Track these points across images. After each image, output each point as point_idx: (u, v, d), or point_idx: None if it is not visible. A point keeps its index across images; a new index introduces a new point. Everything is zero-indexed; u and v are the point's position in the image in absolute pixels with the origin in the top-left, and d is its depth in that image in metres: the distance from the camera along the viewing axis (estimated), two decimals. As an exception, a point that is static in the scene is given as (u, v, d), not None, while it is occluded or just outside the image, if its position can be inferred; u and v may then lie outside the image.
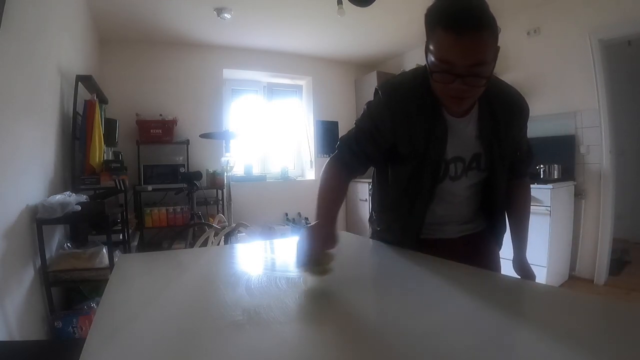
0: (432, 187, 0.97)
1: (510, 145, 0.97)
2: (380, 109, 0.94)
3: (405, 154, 0.95)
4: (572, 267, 3.04)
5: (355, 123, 1.02)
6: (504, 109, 0.93)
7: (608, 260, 2.90)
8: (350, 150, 0.99)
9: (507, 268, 1.06)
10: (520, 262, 1.09)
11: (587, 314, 0.64)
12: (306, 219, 4.49)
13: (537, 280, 1.07)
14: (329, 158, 1.04)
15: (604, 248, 2.88)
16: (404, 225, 1.03)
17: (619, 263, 3.17)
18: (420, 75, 0.90)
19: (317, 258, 0.78)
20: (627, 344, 0.49)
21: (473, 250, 1.01)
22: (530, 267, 1.08)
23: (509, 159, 1.00)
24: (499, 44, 0.80)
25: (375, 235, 1.16)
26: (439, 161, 0.94)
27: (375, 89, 0.97)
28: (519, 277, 1.05)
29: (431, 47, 0.80)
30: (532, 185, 2.88)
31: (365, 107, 1.00)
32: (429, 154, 0.93)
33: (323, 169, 1.01)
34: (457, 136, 0.93)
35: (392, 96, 0.93)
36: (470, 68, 0.76)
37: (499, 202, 1.04)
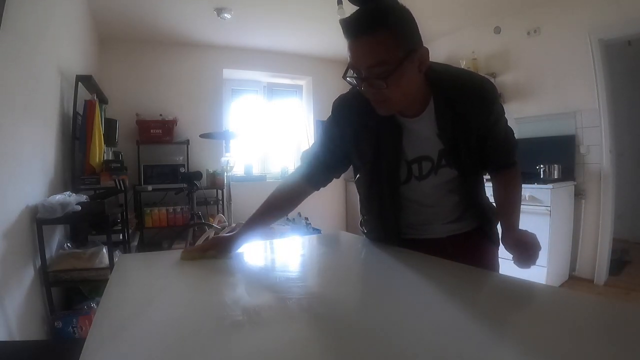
0: (394, 189, 0.98)
1: (477, 136, 0.93)
2: (329, 122, 1.02)
3: (358, 161, 1.01)
4: (572, 267, 3.04)
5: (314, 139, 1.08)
6: (462, 99, 0.88)
7: (608, 260, 2.90)
8: (308, 160, 1.06)
9: (506, 269, 1.05)
10: (513, 233, 0.90)
11: (587, 314, 0.64)
12: (306, 219, 4.49)
13: (537, 280, 1.04)
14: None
15: (604, 248, 2.88)
16: (383, 227, 1.06)
17: (619, 263, 3.17)
18: None
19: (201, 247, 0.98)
20: (627, 344, 0.49)
21: (465, 250, 0.99)
22: (528, 233, 0.87)
23: (479, 152, 0.96)
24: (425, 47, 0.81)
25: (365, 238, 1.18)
26: (398, 163, 0.95)
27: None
28: (517, 253, 0.85)
29: None
30: (532, 185, 2.90)
31: (323, 123, 1.07)
32: (383, 157, 0.95)
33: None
34: (415, 136, 0.93)
35: (337, 109, 1.00)
36: (370, 70, 0.77)
37: (479, 198, 1.02)
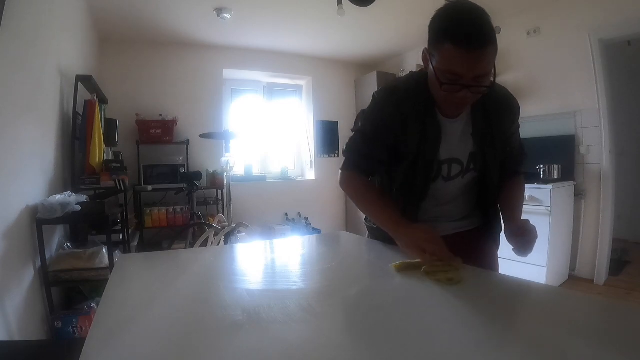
0: (425, 187, 1.00)
1: (501, 142, 1.00)
2: (376, 111, 0.99)
3: (403, 153, 1.00)
4: (572, 267, 3.04)
5: (353, 130, 1.06)
6: (495, 107, 0.97)
7: (608, 260, 2.90)
8: (360, 155, 1.03)
9: (506, 268, 1.05)
10: (515, 222, 0.96)
11: (587, 314, 0.64)
12: (306, 219, 4.49)
13: (537, 280, 1.06)
14: (341, 171, 1.07)
15: (604, 248, 2.88)
16: None
17: (618, 263, 3.17)
18: (415, 79, 0.96)
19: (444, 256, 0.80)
20: (627, 344, 0.49)
21: (468, 248, 1.00)
22: (529, 223, 0.92)
23: (500, 157, 1.02)
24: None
25: (370, 233, 1.18)
26: (432, 161, 0.97)
27: (373, 94, 1.02)
28: (517, 241, 0.91)
29: (438, 58, 0.83)
30: (532, 185, 2.90)
31: (361, 113, 1.05)
32: (422, 154, 0.97)
33: (345, 184, 1.06)
34: (451, 137, 0.97)
35: (386, 98, 0.98)
36: (476, 79, 0.81)
37: (493, 200, 1.06)
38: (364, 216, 1.21)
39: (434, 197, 1.03)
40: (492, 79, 0.85)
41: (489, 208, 1.07)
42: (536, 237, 0.90)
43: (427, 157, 0.97)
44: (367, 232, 1.20)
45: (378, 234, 1.14)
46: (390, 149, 1.01)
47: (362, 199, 1.04)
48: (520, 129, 1.07)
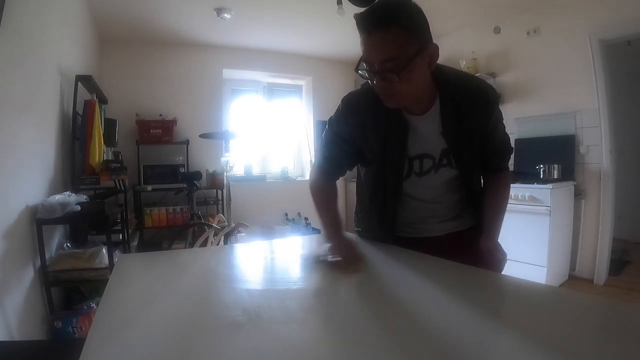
0: (398, 185, 1.00)
1: (478, 138, 0.96)
2: (338, 118, 1.03)
3: (368, 155, 1.02)
4: (572, 267, 3.04)
5: (323, 135, 1.09)
6: (467, 101, 0.92)
7: (608, 260, 2.90)
8: (323, 158, 1.08)
9: (505, 268, 1.04)
10: (491, 243, 0.99)
11: (587, 314, 0.64)
12: (306, 218, 4.48)
13: (537, 280, 1.05)
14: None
15: (604, 248, 2.88)
16: (379, 223, 1.07)
17: (619, 263, 3.17)
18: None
19: (350, 259, 0.88)
20: (627, 344, 0.49)
21: (462, 249, 1.00)
22: (501, 247, 0.98)
23: (479, 153, 0.99)
24: (437, 44, 0.84)
25: (357, 234, 1.19)
26: (401, 159, 0.97)
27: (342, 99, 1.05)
28: (485, 261, 0.95)
29: None
30: (532, 185, 2.90)
31: (329, 120, 1.06)
32: (389, 153, 0.97)
33: (310, 179, 1.11)
34: (420, 134, 0.95)
35: (346, 105, 1.01)
36: (382, 65, 0.80)
37: (477, 197, 1.05)
38: (354, 220, 1.22)
39: (413, 196, 1.03)
40: (403, 66, 0.78)
41: (476, 206, 1.05)
42: (501, 270, 0.95)
43: (395, 155, 0.97)
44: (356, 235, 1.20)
45: (365, 235, 1.15)
46: (356, 153, 1.04)
47: (316, 200, 1.07)
48: (504, 120, 1.02)
